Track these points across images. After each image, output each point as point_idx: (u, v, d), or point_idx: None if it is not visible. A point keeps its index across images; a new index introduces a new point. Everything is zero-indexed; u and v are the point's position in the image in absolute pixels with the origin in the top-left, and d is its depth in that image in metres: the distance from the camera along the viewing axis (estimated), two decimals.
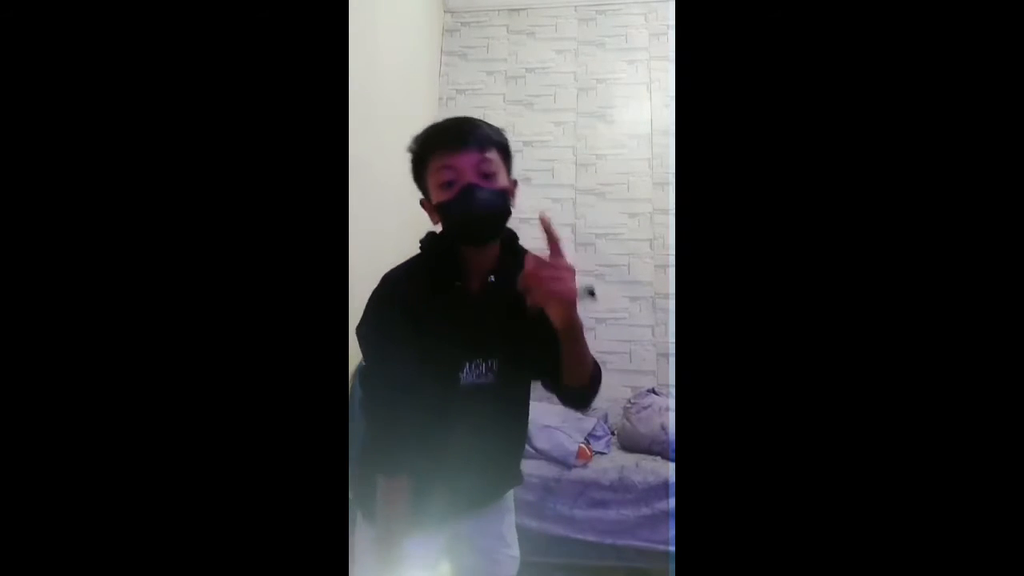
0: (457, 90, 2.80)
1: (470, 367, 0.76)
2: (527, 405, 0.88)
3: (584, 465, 1.80)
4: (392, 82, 2.14)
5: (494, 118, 3.14)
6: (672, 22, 2.60)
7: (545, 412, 1.87)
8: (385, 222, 2.05)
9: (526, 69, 2.80)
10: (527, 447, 1.80)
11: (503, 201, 0.75)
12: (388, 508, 0.74)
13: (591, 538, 1.66)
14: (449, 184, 0.73)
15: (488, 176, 0.74)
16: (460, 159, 0.73)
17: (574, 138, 2.69)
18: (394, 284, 0.78)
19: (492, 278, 0.77)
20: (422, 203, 0.80)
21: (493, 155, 0.75)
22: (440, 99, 2.79)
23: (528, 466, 1.78)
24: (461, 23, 2.90)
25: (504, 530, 0.92)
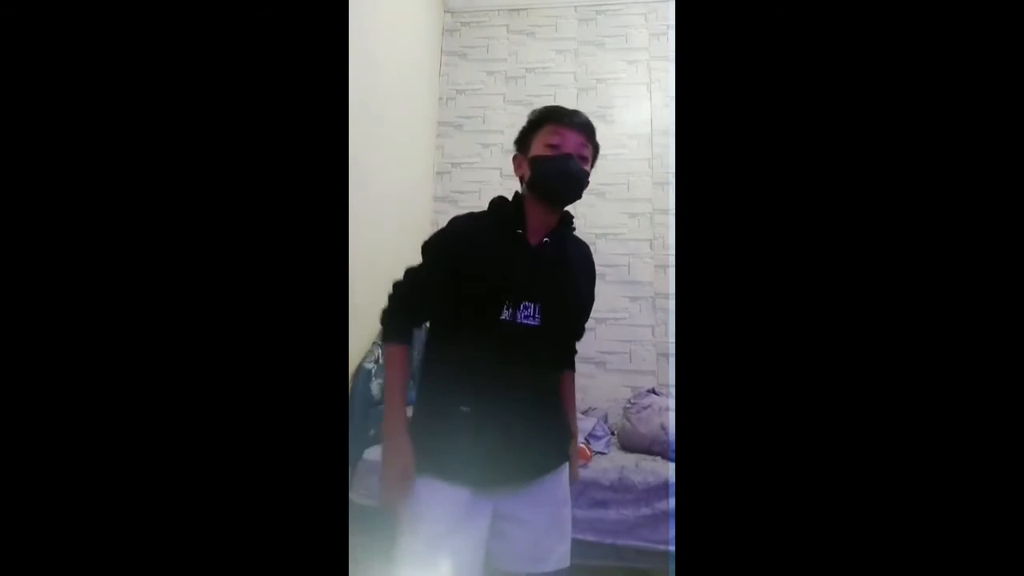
0: (457, 90, 2.81)
1: (519, 307, 0.86)
2: (571, 355, 1.03)
3: (584, 465, 1.80)
4: (392, 82, 2.14)
5: (494, 118, 3.12)
6: (672, 22, 2.61)
7: None
8: (385, 222, 2.05)
9: (526, 69, 2.81)
10: None
11: (585, 179, 0.90)
12: (391, 370, 0.88)
13: (591, 538, 1.66)
14: (554, 147, 0.88)
15: (583, 159, 0.90)
16: (571, 134, 0.88)
17: None
18: (465, 218, 0.93)
19: (547, 239, 0.90)
20: (514, 158, 0.96)
21: (590, 147, 0.92)
22: (440, 99, 2.79)
23: None
24: (461, 23, 2.90)
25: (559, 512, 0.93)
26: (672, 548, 1.55)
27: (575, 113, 0.91)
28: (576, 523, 1.72)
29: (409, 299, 0.90)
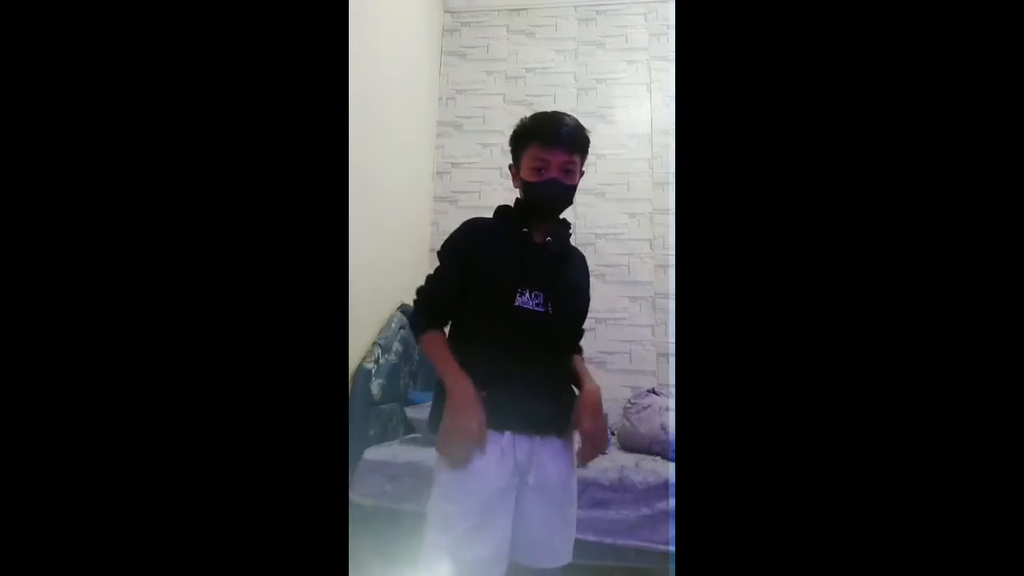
0: (457, 90, 2.80)
1: (529, 293, 0.95)
2: (578, 340, 1.10)
3: (584, 465, 1.80)
4: (392, 82, 2.14)
5: (494, 118, 3.13)
6: (672, 22, 2.61)
7: None
8: (384, 221, 2.05)
9: (526, 69, 2.81)
10: None
11: (570, 194, 0.99)
12: (434, 348, 0.95)
13: (591, 538, 1.66)
14: (539, 170, 0.95)
15: (568, 172, 0.97)
16: (552, 155, 0.95)
17: None
18: (476, 221, 1.02)
19: (549, 239, 1.00)
20: (510, 167, 1.03)
21: (576, 157, 0.98)
22: (440, 99, 2.79)
23: None
24: (461, 23, 2.90)
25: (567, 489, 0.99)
26: (672, 548, 1.55)
27: (559, 126, 0.96)
28: (576, 523, 1.73)
29: (435, 297, 0.98)
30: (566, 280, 1.02)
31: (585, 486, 1.72)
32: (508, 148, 1.03)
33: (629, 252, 2.58)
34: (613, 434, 2.12)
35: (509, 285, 0.94)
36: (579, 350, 1.12)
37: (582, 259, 1.11)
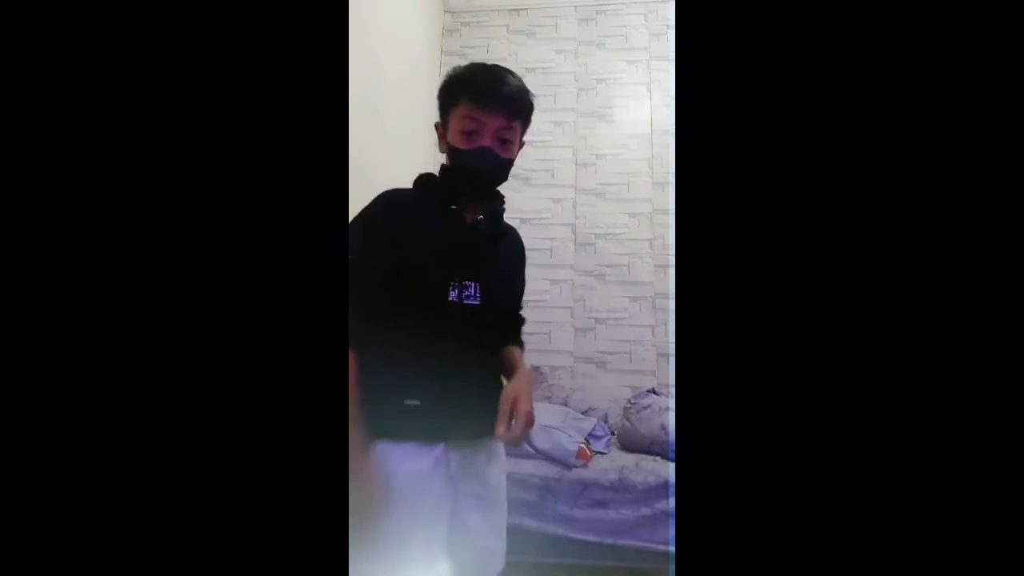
0: None
1: (459, 286, 0.80)
2: (516, 332, 0.94)
3: (584, 465, 1.80)
4: (392, 82, 2.14)
5: None
6: (672, 22, 2.61)
7: (545, 412, 1.87)
8: None
9: (526, 69, 2.80)
10: (526, 447, 1.80)
11: (506, 168, 0.82)
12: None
13: (591, 538, 1.66)
14: (469, 135, 0.79)
15: (505, 143, 0.80)
16: (487, 118, 0.78)
17: (574, 138, 2.69)
18: (395, 193, 0.85)
19: (480, 217, 0.84)
20: (436, 126, 0.87)
21: (517, 125, 0.81)
22: None
23: (528, 466, 1.78)
24: (461, 23, 2.90)
25: (492, 477, 0.87)
26: (672, 548, 1.55)
27: (499, 83, 0.78)
28: (576, 523, 1.73)
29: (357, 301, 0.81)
30: (501, 266, 0.87)
31: (585, 486, 1.72)
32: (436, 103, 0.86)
33: (629, 252, 2.58)
34: (613, 434, 2.12)
35: (440, 279, 0.78)
36: (519, 342, 0.94)
37: (517, 238, 0.95)
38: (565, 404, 2.15)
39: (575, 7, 2.85)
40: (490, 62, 0.84)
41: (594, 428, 2.01)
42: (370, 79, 1.90)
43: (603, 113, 2.72)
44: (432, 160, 2.90)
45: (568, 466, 1.81)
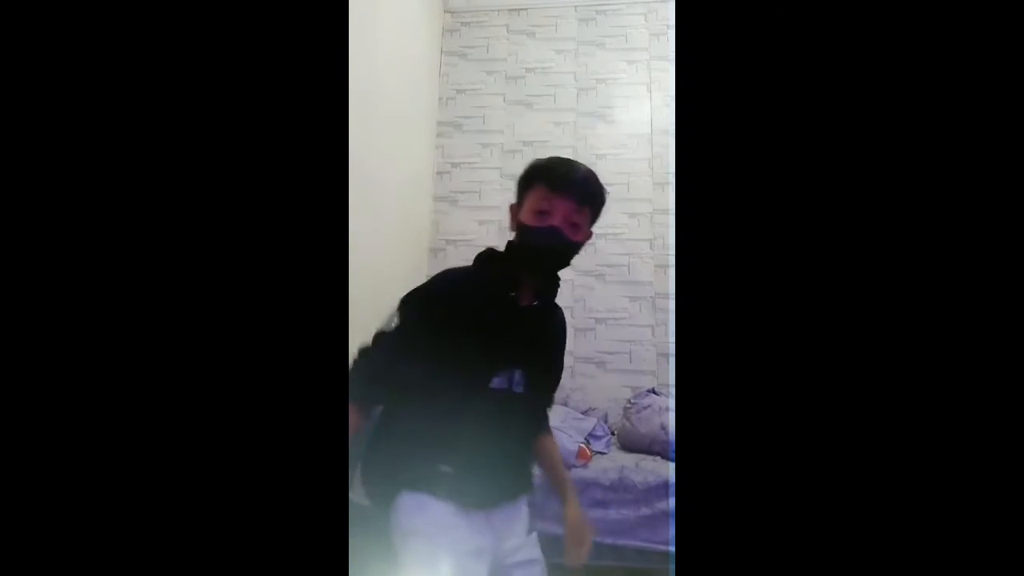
0: (457, 90, 2.80)
1: (506, 375, 0.83)
2: (546, 419, 0.99)
3: (584, 465, 1.80)
4: (392, 82, 2.14)
5: (494, 118, 3.11)
6: (672, 22, 2.60)
7: None
8: (385, 222, 2.05)
9: (526, 69, 2.80)
10: None
11: (572, 251, 0.86)
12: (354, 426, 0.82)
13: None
14: (542, 214, 0.83)
15: (574, 226, 0.84)
16: (561, 201, 0.82)
17: (574, 138, 2.69)
18: (452, 282, 0.87)
19: (536, 303, 0.87)
20: (511, 207, 0.90)
21: (586, 212, 0.85)
22: (440, 99, 2.79)
23: None
24: (461, 23, 2.90)
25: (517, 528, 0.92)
26: (672, 548, 1.55)
27: (570, 170, 0.84)
28: None
29: (382, 363, 0.83)
30: (547, 351, 0.91)
31: (585, 486, 1.72)
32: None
33: (629, 252, 2.57)
34: (613, 434, 2.12)
35: (490, 363, 0.82)
36: (547, 429, 1.00)
37: (562, 319, 0.97)
38: (565, 404, 2.15)
39: (575, 7, 2.85)
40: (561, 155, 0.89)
41: (594, 428, 2.01)
42: (370, 79, 1.90)
43: (603, 113, 2.71)
44: (431, 162, 2.88)
45: (568, 466, 1.81)
